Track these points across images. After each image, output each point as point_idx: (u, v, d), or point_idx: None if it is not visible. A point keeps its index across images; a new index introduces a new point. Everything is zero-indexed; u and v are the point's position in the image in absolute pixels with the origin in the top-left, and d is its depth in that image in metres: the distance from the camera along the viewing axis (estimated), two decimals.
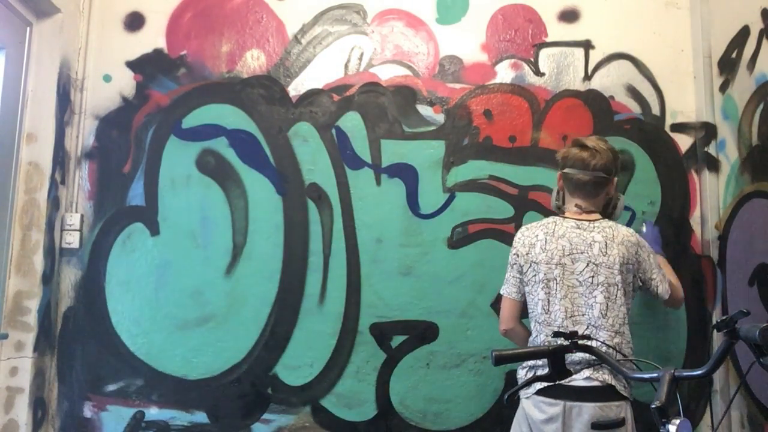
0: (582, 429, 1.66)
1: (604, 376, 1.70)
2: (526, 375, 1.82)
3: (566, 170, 1.91)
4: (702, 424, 2.30)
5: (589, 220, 1.86)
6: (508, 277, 1.94)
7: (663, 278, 1.89)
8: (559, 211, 1.99)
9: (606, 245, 1.80)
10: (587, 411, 1.67)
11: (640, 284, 1.87)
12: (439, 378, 2.35)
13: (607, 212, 1.97)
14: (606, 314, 1.76)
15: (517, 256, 1.90)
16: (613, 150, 1.93)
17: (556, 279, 1.80)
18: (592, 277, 1.78)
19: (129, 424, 2.38)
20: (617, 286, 1.78)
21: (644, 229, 2.28)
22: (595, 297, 1.77)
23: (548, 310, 1.81)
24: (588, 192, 1.89)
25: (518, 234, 1.94)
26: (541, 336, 1.82)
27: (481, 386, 2.34)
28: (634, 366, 1.62)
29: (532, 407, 1.75)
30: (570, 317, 1.78)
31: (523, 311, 1.93)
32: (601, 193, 1.91)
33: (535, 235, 1.88)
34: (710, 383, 2.29)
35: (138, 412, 2.39)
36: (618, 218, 1.98)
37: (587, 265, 1.79)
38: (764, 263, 2.03)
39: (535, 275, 1.84)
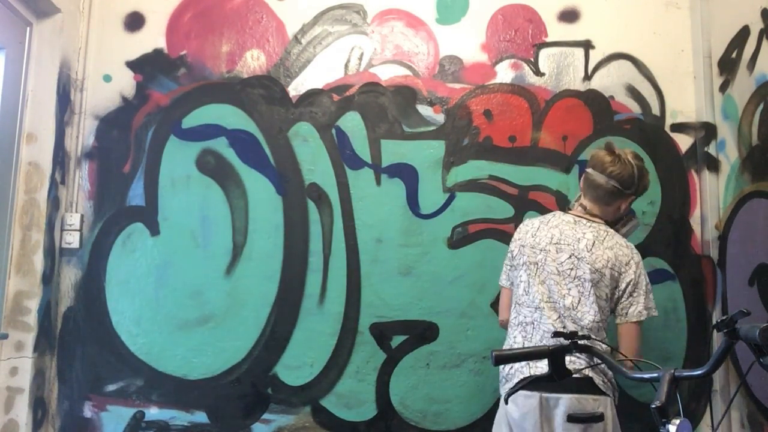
0: (560, 422, 1.65)
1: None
2: (508, 369, 1.81)
3: (587, 169, 1.87)
4: (702, 424, 2.31)
5: (589, 220, 1.85)
6: (504, 268, 1.97)
7: (643, 309, 1.76)
8: (567, 207, 1.99)
9: (593, 244, 1.78)
10: (564, 402, 1.65)
11: (618, 299, 1.77)
12: (439, 378, 2.35)
13: (615, 228, 1.88)
14: (576, 307, 1.75)
15: (513, 242, 1.94)
16: (641, 168, 1.82)
17: (537, 263, 1.82)
18: (571, 269, 1.78)
19: (129, 424, 2.38)
20: (591, 283, 1.75)
21: None
22: (569, 290, 1.77)
23: (528, 291, 1.82)
24: (599, 197, 1.84)
25: (520, 226, 1.97)
26: (519, 317, 1.82)
27: (480, 386, 2.34)
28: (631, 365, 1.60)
29: (510, 403, 1.72)
30: (547, 301, 1.79)
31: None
32: (612, 203, 1.84)
33: (532, 224, 1.92)
34: (710, 383, 2.30)
35: (138, 412, 2.38)
36: (627, 238, 1.86)
37: (570, 257, 1.79)
38: (764, 263, 2.03)
39: (521, 258, 1.87)
